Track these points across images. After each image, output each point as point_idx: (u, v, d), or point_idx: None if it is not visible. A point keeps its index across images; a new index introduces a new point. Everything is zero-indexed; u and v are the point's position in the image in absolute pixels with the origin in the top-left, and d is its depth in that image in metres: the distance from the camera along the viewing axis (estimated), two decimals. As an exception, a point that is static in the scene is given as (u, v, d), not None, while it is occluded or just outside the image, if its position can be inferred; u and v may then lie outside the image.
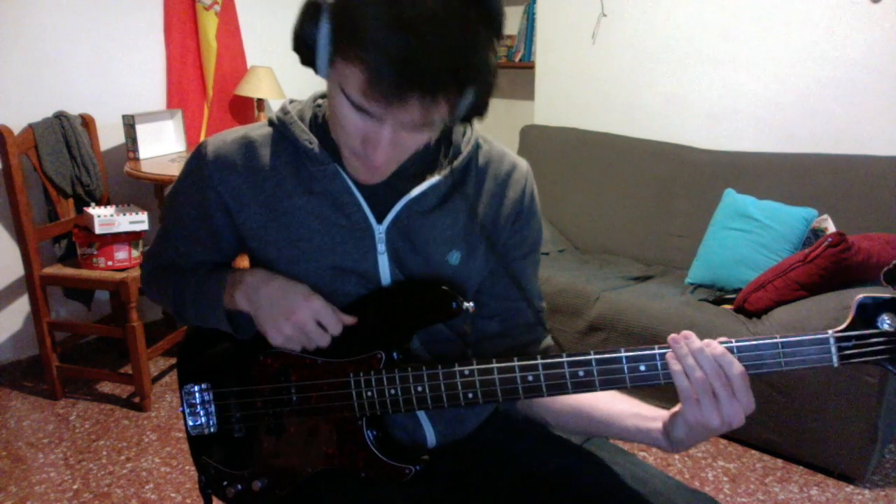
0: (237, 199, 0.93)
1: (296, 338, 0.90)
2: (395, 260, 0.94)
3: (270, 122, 0.96)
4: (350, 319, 0.91)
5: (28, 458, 2.21)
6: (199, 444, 1.03)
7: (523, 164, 1.02)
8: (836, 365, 0.76)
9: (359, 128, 0.79)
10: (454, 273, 0.96)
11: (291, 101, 0.98)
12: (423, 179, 0.93)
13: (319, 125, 0.95)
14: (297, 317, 0.89)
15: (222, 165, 0.93)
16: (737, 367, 0.76)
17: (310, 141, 0.91)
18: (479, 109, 0.79)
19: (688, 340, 0.78)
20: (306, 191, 0.92)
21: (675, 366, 0.78)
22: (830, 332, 0.76)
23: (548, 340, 1.07)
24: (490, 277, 1.02)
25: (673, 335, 0.79)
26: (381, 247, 0.93)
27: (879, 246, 2.09)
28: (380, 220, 0.93)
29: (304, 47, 0.78)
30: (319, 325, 0.90)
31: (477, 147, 0.97)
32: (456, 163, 0.94)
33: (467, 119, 0.80)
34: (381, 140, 0.78)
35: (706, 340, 0.78)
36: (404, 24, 0.68)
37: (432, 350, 0.99)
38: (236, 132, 0.96)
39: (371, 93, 0.72)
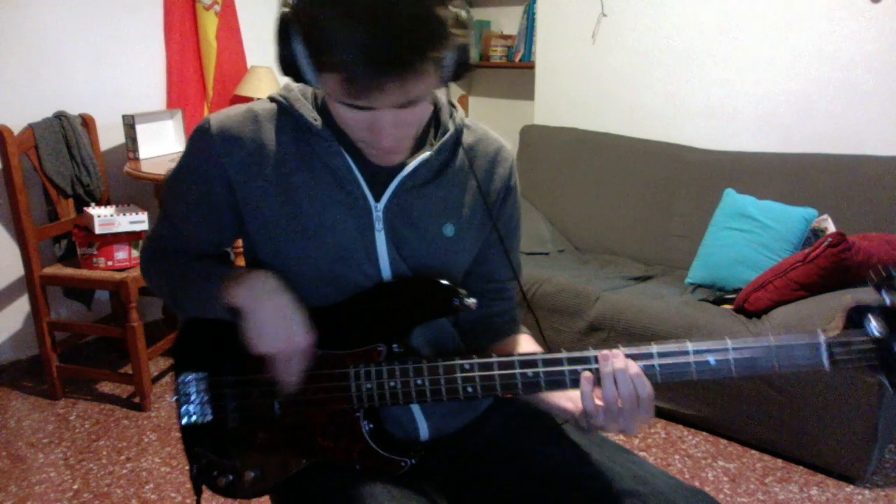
0: (242, 172, 0.93)
1: (270, 360, 0.90)
2: (393, 237, 0.95)
3: (272, 100, 0.97)
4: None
5: (28, 458, 2.21)
6: (191, 434, 1.03)
7: (506, 142, 1.07)
8: (827, 368, 0.78)
9: (360, 121, 0.82)
10: (449, 245, 0.99)
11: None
12: (414, 157, 0.96)
13: (321, 105, 0.96)
14: (285, 345, 0.88)
15: (227, 138, 0.93)
16: (648, 389, 0.83)
17: (315, 118, 0.93)
18: (464, 63, 0.81)
19: (615, 358, 0.84)
20: (308, 167, 0.93)
21: (587, 387, 0.85)
22: (822, 336, 0.79)
23: (516, 313, 1.13)
24: (478, 261, 1.06)
25: (605, 352, 0.85)
26: (378, 224, 0.94)
27: (879, 246, 2.09)
28: (377, 199, 0.95)
29: (292, 68, 0.82)
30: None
31: (462, 126, 1.01)
32: (444, 139, 0.97)
33: (458, 75, 0.82)
34: (384, 126, 0.82)
35: (627, 361, 0.84)
36: (352, 16, 0.72)
37: (432, 341, 1.00)
38: (239, 107, 0.97)
39: (351, 91, 0.76)
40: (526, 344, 1.08)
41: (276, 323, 0.89)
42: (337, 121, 0.87)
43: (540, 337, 1.11)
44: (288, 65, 0.82)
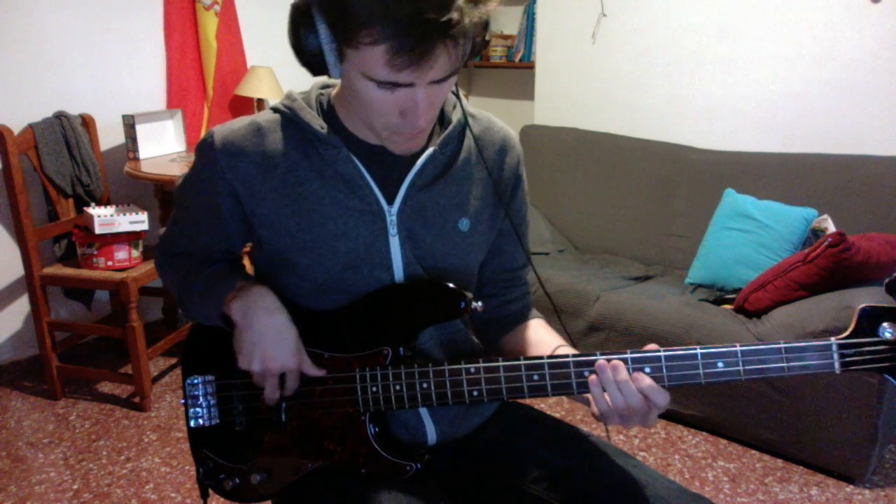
0: (248, 185, 0.93)
1: (257, 378, 0.93)
2: (410, 240, 0.95)
3: (276, 110, 0.96)
4: (318, 371, 0.94)
5: (28, 458, 2.21)
6: (198, 437, 1.03)
7: (511, 130, 1.06)
8: (837, 372, 0.78)
9: (394, 104, 0.81)
10: (465, 240, 0.99)
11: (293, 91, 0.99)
12: (420, 155, 0.95)
13: (325, 111, 0.96)
14: (270, 365, 0.91)
15: (231, 152, 0.93)
16: (664, 398, 0.82)
17: (321, 126, 0.92)
18: (484, 41, 0.82)
19: (615, 371, 0.82)
20: (318, 175, 0.93)
21: (595, 389, 0.83)
22: (833, 339, 0.78)
23: (529, 298, 1.14)
24: (491, 252, 1.06)
25: (601, 362, 0.83)
26: (392, 229, 0.94)
27: (879, 246, 2.09)
28: (390, 202, 0.94)
29: (310, 55, 0.81)
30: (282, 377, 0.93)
31: (467, 116, 1.00)
32: (446, 133, 0.96)
33: (477, 52, 0.83)
34: (419, 104, 0.81)
35: (635, 375, 0.82)
36: None
37: (444, 342, 1.00)
38: (242, 120, 0.96)
39: (397, 63, 0.74)
40: (540, 329, 1.07)
41: (261, 343, 0.90)
42: (359, 110, 0.85)
43: (559, 325, 1.10)
44: (308, 53, 0.81)
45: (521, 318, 1.10)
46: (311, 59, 0.82)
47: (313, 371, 0.93)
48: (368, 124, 0.88)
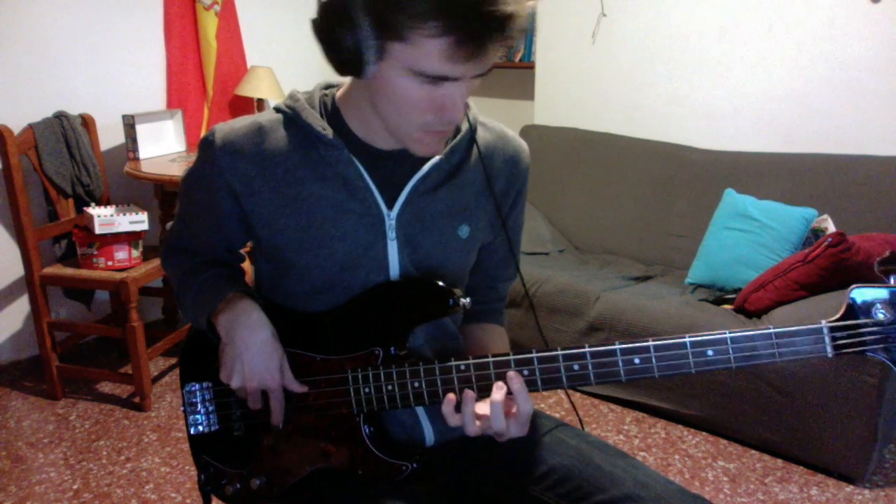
0: (247, 185, 0.93)
1: (239, 393, 0.95)
2: (408, 244, 0.95)
3: (278, 110, 0.96)
4: (301, 388, 0.94)
5: (28, 458, 2.21)
6: (199, 443, 1.04)
7: (523, 142, 1.06)
8: (830, 355, 0.76)
9: (434, 100, 0.81)
10: (463, 246, 0.99)
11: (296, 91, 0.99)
12: (425, 161, 0.95)
13: (329, 113, 0.95)
14: (248, 383, 0.92)
15: (231, 151, 0.93)
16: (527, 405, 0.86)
17: (324, 127, 0.92)
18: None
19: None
20: (319, 177, 0.92)
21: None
22: (824, 322, 0.77)
23: (501, 306, 1.15)
24: (479, 259, 1.06)
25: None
26: (391, 233, 0.94)
27: (879, 246, 2.09)
28: (390, 207, 0.94)
29: (346, 53, 0.78)
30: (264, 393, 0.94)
31: (476, 124, 0.99)
32: (454, 142, 0.96)
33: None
34: (459, 98, 0.81)
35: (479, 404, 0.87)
36: None
37: (432, 342, 1.00)
38: (245, 119, 0.96)
39: (458, 55, 0.75)
40: (499, 337, 1.10)
41: (240, 360, 0.91)
42: (392, 109, 0.83)
43: (540, 337, 1.11)
44: (344, 50, 0.78)
45: (481, 318, 1.12)
46: (347, 57, 0.79)
47: (296, 387, 0.94)
48: (393, 125, 0.86)
